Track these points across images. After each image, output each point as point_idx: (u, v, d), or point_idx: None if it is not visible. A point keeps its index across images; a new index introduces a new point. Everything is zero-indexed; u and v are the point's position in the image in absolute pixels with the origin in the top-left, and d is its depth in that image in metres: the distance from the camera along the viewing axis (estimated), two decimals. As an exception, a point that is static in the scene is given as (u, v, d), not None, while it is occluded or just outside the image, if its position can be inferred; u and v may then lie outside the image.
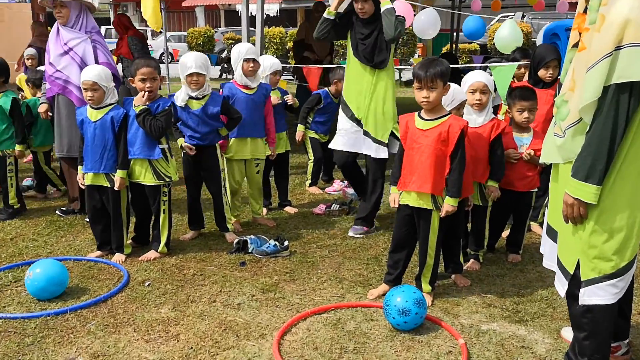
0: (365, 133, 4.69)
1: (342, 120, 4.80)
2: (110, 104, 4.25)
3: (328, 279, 4.04)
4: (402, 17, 4.57)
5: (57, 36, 5.02)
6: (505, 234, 4.60)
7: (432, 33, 7.62)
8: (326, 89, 6.27)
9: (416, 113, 3.60)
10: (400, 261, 3.81)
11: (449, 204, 3.47)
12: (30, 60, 7.39)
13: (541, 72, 4.68)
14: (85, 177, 4.31)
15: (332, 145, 4.89)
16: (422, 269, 3.68)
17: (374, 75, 4.61)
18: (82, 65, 4.86)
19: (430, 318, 3.45)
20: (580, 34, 2.59)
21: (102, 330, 3.34)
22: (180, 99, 4.54)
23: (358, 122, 4.70)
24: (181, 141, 4.62)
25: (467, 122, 3.54)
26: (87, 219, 4.64)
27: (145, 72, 4.14)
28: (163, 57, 15.75)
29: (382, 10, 4.44)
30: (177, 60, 5.61)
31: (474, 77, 4.03)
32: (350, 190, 6.01)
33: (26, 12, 15.04)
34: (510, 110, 4.30)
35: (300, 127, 6.21)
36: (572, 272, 2.68)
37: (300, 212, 5.54)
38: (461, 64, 17.99)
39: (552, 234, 2.85)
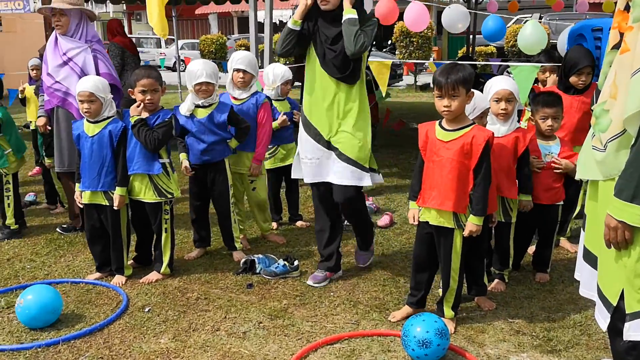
0: (340, 155, 3.80)
1: (306, 144, 3.93)
2: (108, 117, 4.01)
3: (341, 303, 3.75)
4: (374, 21, 3.76)
5: (56, 46, 4.78)
6: (532, 249, 4.28)
7: (461, 27, 7.29)
8: None
9: (437, 122, 3.31)
10: (422, 282, 3.52)
11: (473, 223, 3.17)
12: (34, 71, 7.19)
13: (573, 79, 4.35)
14: (82, 195, 4.06)
15: (294, 176, 4.12)
16: (444, 293, 3.38)
17: (346, 92, 3.76)
18: (83, 76, 4.62)
19: (454, 348, 3.14)
20: (621, 34, 2.29)
21: (95, 365, 3.08)
22: (185, 108, 4.29)
23: (327, 144, 3.84)
24: (183, 157, 4.35)
25: (493, 133, 3.24)
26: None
27: (145, 84, 3.88)
28: (176, 65, 15.50)
29: (342, 19, 3.64)
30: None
31: (499, 84, 3.71)
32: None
33: (39, 22, 14.94)
34: (533, 117, 3.99)
35: None
36: (615, 304, 2.36)
37: (312, 227, 5.23)
38: (478, 67, 17.65)
39: (591, 259, 2.53)
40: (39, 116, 5.11)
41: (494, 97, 3.69)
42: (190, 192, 4.58)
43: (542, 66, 5.25)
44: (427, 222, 3.33)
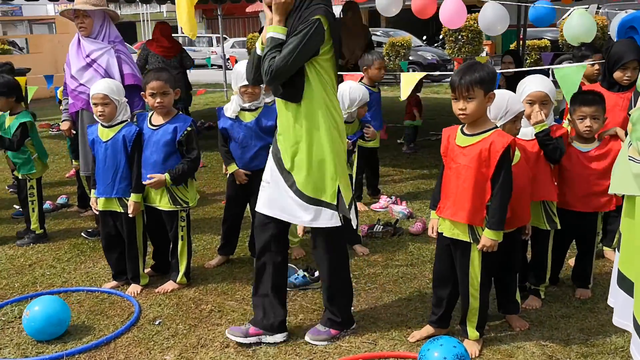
0: (297, 192, 3.12)
1: (269, 165, 3.28)
2: (122, 122, 3.89)
3: (361, 319, 3.51)
4: (308, 24, 2.91)
5: (79, 48, 4.70)
6: (572, 261, 3.94)
7: (500, 29, 6.90)
8: (358, 82, 5.73)
9: (460, 126, 3.05)
10: (443, 299, 3.25)
11: (488, 238, 2.89)
12: None
13: (617, 74, 3.97)
14: (97, 202, 3.96)
15: (257, 208, 3.31)
16: (465, 312, 3.10)
17: (294, 111, 3.06)
18: (107, 77, 4.53)
19: (475, 375, 2.87)
20: None
21: (95, 383, 2.95)
22: (230, 110, 4.11)
23: (287, 174, 3.16)
24: (232, 168, 4.18)
25: (514, 139, 2.94)
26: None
27: (154, 86, 3.74)
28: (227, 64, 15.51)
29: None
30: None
31: (533, 85, 3.39)
32: (398, 208, 5.46)
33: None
34: (571, 117, 3.64)
35: None
36: None
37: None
38: (530, 61, 17.00)
39: (626, 284, 2.23)
40: (63, 120, 5.06)
41: (527, 99, 3.38)
42: (229, 198, 4.42)
43: (589, 64, 4.87)
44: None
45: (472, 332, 3.11)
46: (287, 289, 3.84)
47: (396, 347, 3.19)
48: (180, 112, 4.01)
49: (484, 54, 20.56)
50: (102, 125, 3.89)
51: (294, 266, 4.10)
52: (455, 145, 2.98)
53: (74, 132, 5.01)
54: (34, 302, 3.40)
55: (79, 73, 4.69)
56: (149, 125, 3.87)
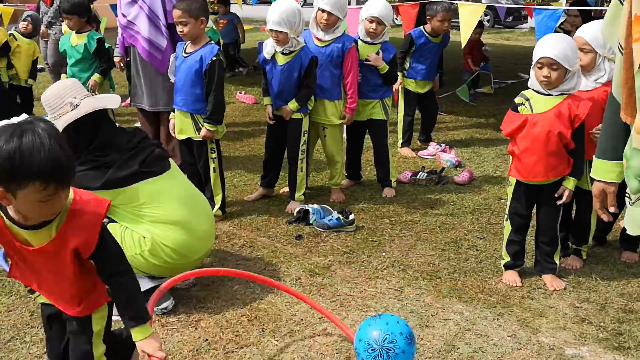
0: None
1: None
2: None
3: (390, 265, 3.45)
4: None
5: None
6: (622, 223, 3.71)
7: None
8: (420, 27, 5.48)
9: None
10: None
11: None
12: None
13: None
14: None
15: None
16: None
17: None
18: (150, 15, 4.49)
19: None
20: None
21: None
22: (266, 50, 4.02)
23: None
24: (266, 101, 4.15)
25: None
26: None
27: (174, 16, 3.73)
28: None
29: None
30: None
31: (540, 49, 2.99)
32: (446, 156, 5.28)
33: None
34: None
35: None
36: None
37: (374, 186, 4.80)
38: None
39: None
40: (114, 56, 5.08)
41: (537, 65, 3.07)
42: (267, 129, 4.38)
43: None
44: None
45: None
46: (321, 229, 3.83)
47: (422, 297, 3.11)
48: (211, 41, 3.93)
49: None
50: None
51: (329, 208, 4.05)
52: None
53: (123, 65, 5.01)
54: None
55: (125, 8, 4.64)
56: (183, 53, 3.84)
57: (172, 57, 4.18)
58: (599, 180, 1.99)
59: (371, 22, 4.27)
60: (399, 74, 5.37)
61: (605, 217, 2.06)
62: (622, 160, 1.81)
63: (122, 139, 2.81)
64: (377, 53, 4.33)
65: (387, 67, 4.35)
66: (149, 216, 2.82)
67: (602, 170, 1.97)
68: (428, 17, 5.40)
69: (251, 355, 2.63)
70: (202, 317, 2.92)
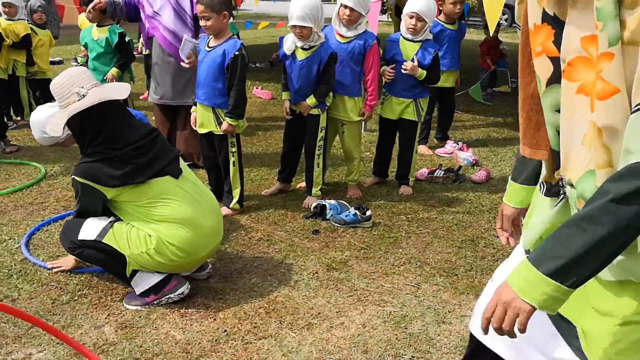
0: None
1: None
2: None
3: (407, 262, 3.46)
4: None
5: None
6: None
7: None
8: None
9: None
10: None
11: None
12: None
13: None
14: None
15: None
16: None
17: None
18: (176, 7, 4.53)
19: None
20: (553, 58, 1.34)
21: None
22: (287, 46, 4.04)
23: None
24: (285, 95, 4.17)
25: None
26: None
27: (198, 10, 3.74)
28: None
29: None
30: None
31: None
32: (464, 154, 5.28)
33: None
34: None
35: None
36: None
37: (392, 185, 4.82)
38: None
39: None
40: (140, 46, 5.12)
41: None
42: (285, 129, 4.40)
43: None
44: None
45: None
46: (337, 225, 3.85)
47: (438, 293, 3.12)
48: (234, 36, 3.95)
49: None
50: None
51: (346, 203, 4.06)
52: None
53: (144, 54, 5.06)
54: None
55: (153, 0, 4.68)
56: (206, 47, 3.86)
57: (184, 37, 4.22)
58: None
59: (411, 17, 4.24)
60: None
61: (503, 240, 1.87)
62: (529, 185, 1.73)
63: (132, 134, 2.82)
64: (417, 53, 4.29)
65: (425, 73, 4.29)
66: (155, 214, 2.84)
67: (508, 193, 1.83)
68: (439, 3, 5.35)
69: (269, 346, 2.65)
70: (220, 308, 2.95)
